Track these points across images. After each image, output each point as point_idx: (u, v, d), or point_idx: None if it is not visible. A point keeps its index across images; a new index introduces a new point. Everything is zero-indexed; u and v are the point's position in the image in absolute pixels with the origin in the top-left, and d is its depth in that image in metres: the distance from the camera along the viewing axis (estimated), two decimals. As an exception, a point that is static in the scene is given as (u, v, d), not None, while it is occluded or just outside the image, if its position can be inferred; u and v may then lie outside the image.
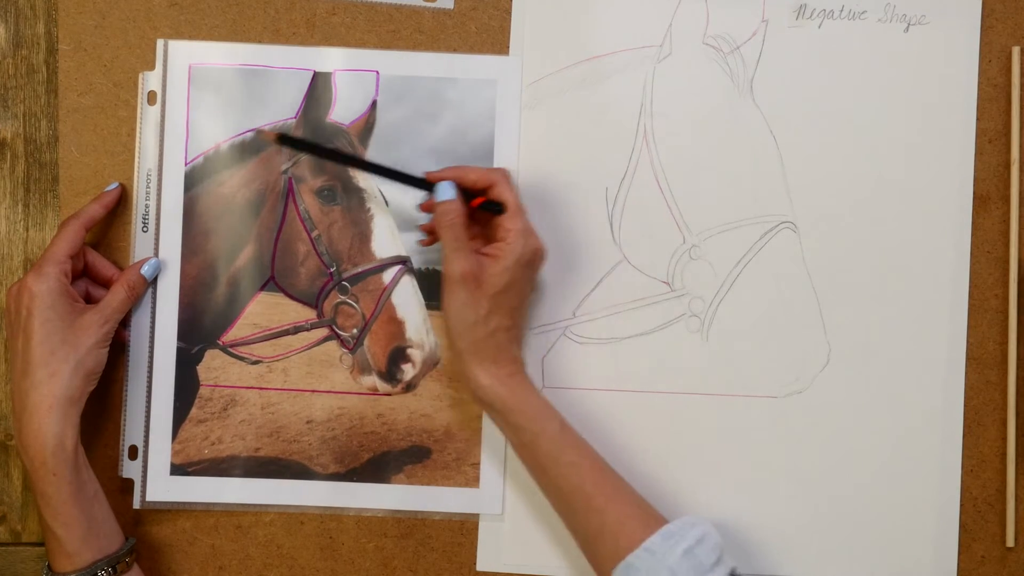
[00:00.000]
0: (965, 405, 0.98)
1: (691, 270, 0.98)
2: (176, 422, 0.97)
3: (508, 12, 0.98)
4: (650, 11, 0.98)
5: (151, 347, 0.97)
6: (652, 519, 0.88)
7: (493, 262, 0.89)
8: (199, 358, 0.98)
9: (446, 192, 0.91)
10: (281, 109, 0.97)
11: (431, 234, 0.97)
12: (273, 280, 0.98)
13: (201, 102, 0.97)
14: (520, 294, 0.91)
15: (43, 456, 0.87)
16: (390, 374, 0.98)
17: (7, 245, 1.00)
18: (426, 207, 0.96)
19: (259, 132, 0.96)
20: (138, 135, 0.97)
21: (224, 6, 0.98)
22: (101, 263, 0.96)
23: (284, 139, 0.95)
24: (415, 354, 0.98)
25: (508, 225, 0.90)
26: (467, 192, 0.92)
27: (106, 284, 0.95)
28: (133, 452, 0.97)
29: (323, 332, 0.98)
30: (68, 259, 0.91)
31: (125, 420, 0.97)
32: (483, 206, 0.91)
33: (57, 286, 0.90)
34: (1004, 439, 0.98)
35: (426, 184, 0.93)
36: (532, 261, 0.91)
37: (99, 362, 0.91)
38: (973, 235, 0.98)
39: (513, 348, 0.92)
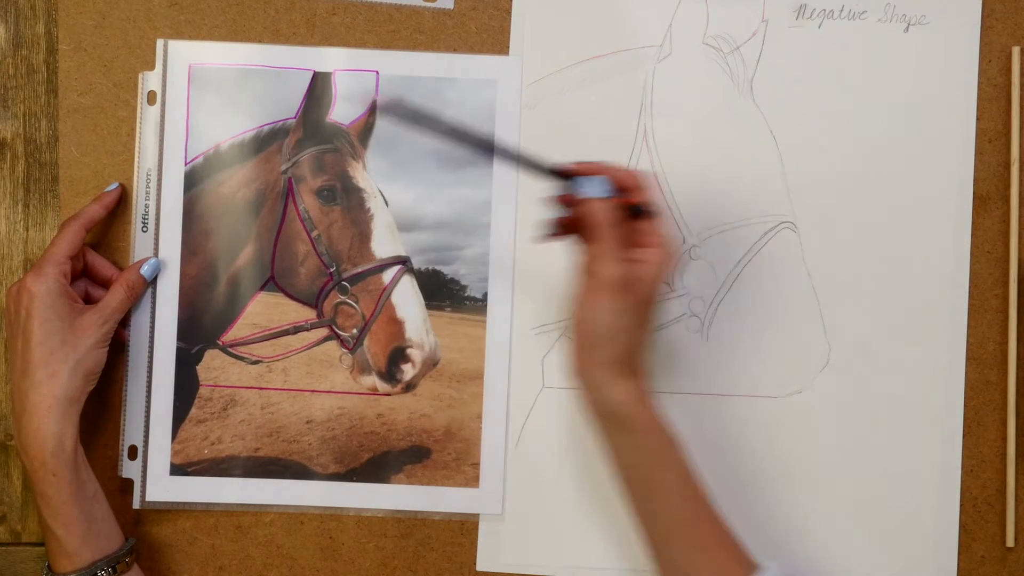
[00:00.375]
0: (965, 405, 0.98)
1: (691, 270, 0.98)
2: (176, 422, 0.97)
3: (508, 12, 0.98)
4: (650, 11, 0.98)
5: (151, 347, 0.97)
6: (748, 563, 0.85)
7: (643, 268, 0.83)
8: (199, 358, 0.98)
9: (602, 188, 0.84)
10: (281, 109, 0.97)
11: (562, 228, 0.88)
12: (273, 280, 0.98)
13: (201, 102, 0.97)
14: (657, 304, 0.87)
15: (42, 456, 0.88)
16: (390, 374, 0.98)
17: (7, 245, 1.00)
18: (565, 199, 0.87)
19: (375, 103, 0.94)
20: (138, 135, 0.97)
21: (224, 6, 0.98)
22: (101, 263, 0.96)
23: (403, 112, 0.87)
24: (415, 354, 0.98)
25: (658, 231, 0.84)
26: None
27: (106, 284, 0.95)
28: (133, 452, 0.97)
29: (323, 332, 0.98)
30: (67, 260, 0.91)
31: (125, 420, 0.97)
32: (635, 208, 0.85)
33: (56, 287, 0.90)
34: (1004, 439, 0.98)
35: (564, 175, 0.86)
36: (669, 271, 0.88)
37: (98, 362, 0.91)
38: (973, 235, 0.98)
39: (644, 365, 0.86)
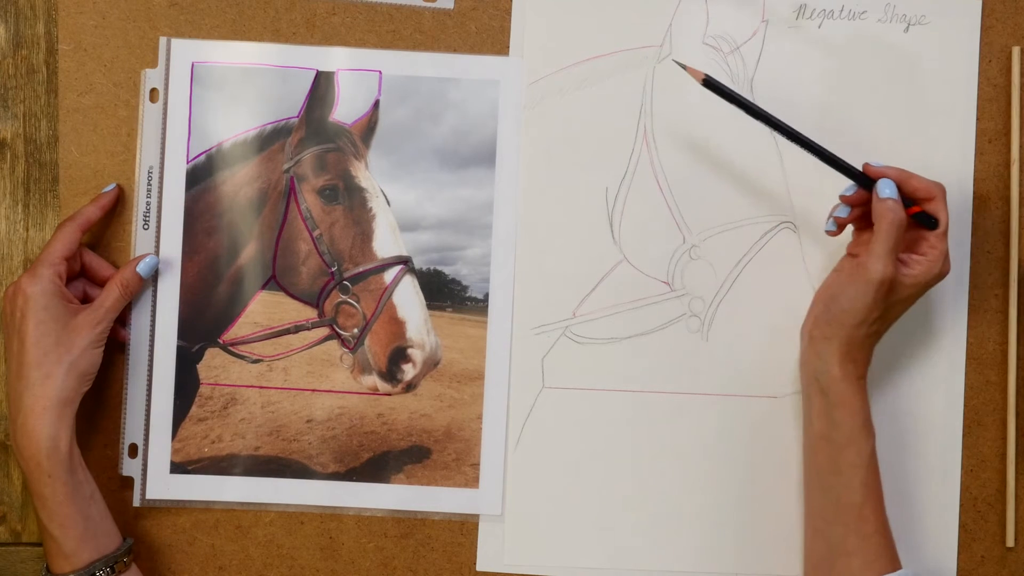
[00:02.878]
0: (965, 405, 0.98)
1: (691, 270, 0.98)
2: (176, 420, 0.97)
3: (508, 12, 0.98)
4: (650, 11, 0.98)
5: (151, 345, 0.97)
6: (893, 559, 0.90)
7: (909, 273, 0.89)
8: (199, 357, 0.97)
9: (892, 191, 0.89)
10: (284, 108, 0.97)
11: (840, 227, 0.93)
12: (274, 279, 0.97)
13: (203, 100, 0.97)
14: (905, 309, 0.92)
15: (38, 458, 0.87)
16: (390, 374, 0.98)
17: (7, 245, 0.99)
18: (851, 199, 0.92)
19: (681, 65, 0.94)
20: (140, 132, 0.97)
21: (224, 6, 0.98)
22: (99, 264, 0.96)
23: (709, 82, 0.92)
24: (416, 354, 0.98)
25: (935, 243, 0.89)
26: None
27: (104, 285, 0.95)
28: (133, 450, 0.97)
29: (324, 331, 0.98)
30: (63, 260, 0.91)
31: (125, 418, 0.97)
32: (919, 216, 0.90)
33: (51, 287, 0.90)
34: (1004, 439, 0.98)
35: (860, 176, 0.91)
36: (933, 284, 0.91)
37: (93, 363, 0.91)
38: (973, 235, 0.98)
39: (871, 353, 0.92)
